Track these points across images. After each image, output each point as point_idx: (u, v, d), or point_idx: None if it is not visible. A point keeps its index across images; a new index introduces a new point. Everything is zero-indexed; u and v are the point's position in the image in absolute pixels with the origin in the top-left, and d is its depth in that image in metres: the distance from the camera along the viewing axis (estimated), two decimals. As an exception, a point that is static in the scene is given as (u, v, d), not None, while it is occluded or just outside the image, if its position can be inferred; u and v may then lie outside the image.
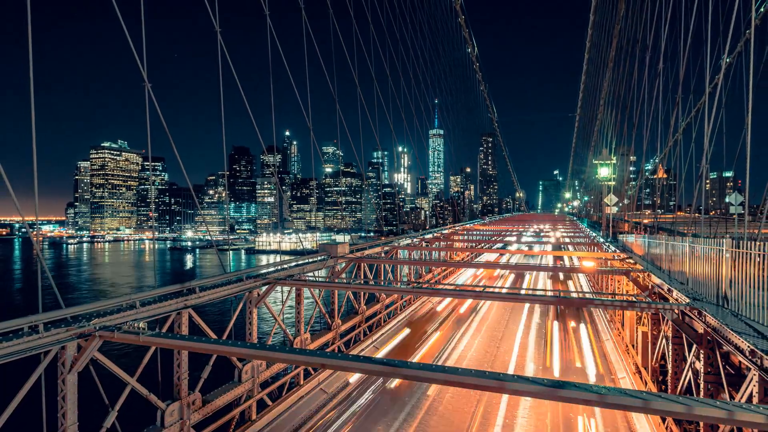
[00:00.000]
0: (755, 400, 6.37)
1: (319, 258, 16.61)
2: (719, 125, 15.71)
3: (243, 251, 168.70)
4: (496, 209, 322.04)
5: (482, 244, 39.65)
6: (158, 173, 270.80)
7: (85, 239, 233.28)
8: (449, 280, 32.60)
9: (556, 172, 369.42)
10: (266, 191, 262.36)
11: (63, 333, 7.35)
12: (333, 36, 21.83)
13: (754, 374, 6.39)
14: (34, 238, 12.03)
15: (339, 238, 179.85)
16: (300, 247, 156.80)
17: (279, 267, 14.12)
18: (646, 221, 34.23)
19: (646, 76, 24.62)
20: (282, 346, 10.25)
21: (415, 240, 29.94)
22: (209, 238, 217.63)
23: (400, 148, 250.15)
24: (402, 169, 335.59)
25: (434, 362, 16.77)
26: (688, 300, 9.66)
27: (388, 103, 29.17)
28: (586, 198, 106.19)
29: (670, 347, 10.84)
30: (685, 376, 9.80)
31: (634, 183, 45.97)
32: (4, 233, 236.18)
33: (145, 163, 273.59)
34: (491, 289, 15.83)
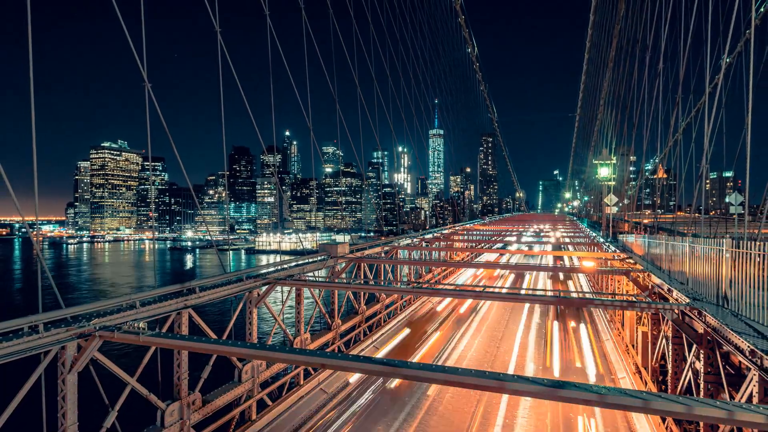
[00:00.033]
0: (755, 400, 6.37)
1: (319, 258, 16.61)
2: (719, 125, 15.72)
3: (243, 251, 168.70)
4: (496, 209, 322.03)
5: (482, 244, 39.65)
6: (158, 173, 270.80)
7: (85, 239, 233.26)
8: (449, 280, 32.60)
9: (556, 172, 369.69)
10: (266, 191, 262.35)
11: (63, 333, 7.35)
12: (333, 36, 21.85)
13: (754, 374, 6.39)
14: (34, 238, 12.04)
15: (339, 238, 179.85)
16: (300, 247, 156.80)
17: (279, 267, 14.12)
18: (646, 221, 34.23)
19: (646, 76, 24.64)
20: (282, 346, 10.25)
21: (415, 240, 29.94)
22: (209, 238, 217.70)
23: (400, 148, 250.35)
24: (402, 169, 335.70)
25: (434, 362, 16.77)
26: (688, 300, 9.66)
27: (388, 103, 29.20)
28: (586, 198, 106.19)
29: (670, 347, 10.84)
30: (685, 376, 9.80)
31: (634, 183, 45.96)
32: (4, 233, 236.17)
33: (145, 163, 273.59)
34: (491, 289, 15.82)
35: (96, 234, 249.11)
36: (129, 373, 8.23)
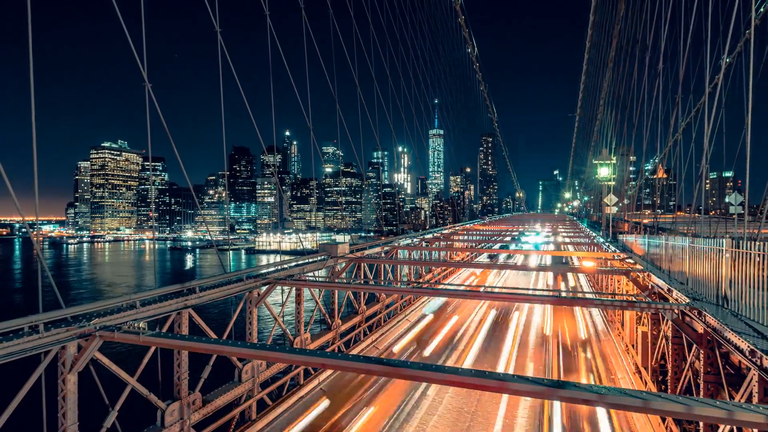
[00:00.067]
0: (755, 399, 6.38)
1: (319, 258, 16.62)
2: (719, 125, 15.73)
3: (243, 251, 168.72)
4: (496, 209, 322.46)
5: (482, 244, 39.65)
6: (158, 173, 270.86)
7: (85, 239, 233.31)
8: (449, 280, 32.60)
9: (556, 172, 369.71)
10: (266, 191, 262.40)
11: (63, 333, 7.36)
12: (333, 36, 21.85)
13: (754, 374, 6.39)
14: (34, 238, 12.06)
15: (339, 238, 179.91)
16: (300, 247, 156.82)
17: (279, 267, 14.13)
18: (645, 221, 34.22)
19: (646, 76, 24.63)
20: (282, 346, 10.25)
21: (415, 240, 29.95)
22: (209, 238, 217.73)
23: (400, 148, 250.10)
24: (402, 169, 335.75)
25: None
26: (688, 300, 9.67)
27: (388, 103, 29.22)
28: (586, 198, 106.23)
29: (670, 347, 10.85)
30: (685, 375, 9.81)
31: (633, 183, 46.00)
32: (4, 233, 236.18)
33: (145, 163, 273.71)
34: (491, 289, 15.83)
35: (96, 234, 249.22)
36: (129, 373, 8.23)
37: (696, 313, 8.95)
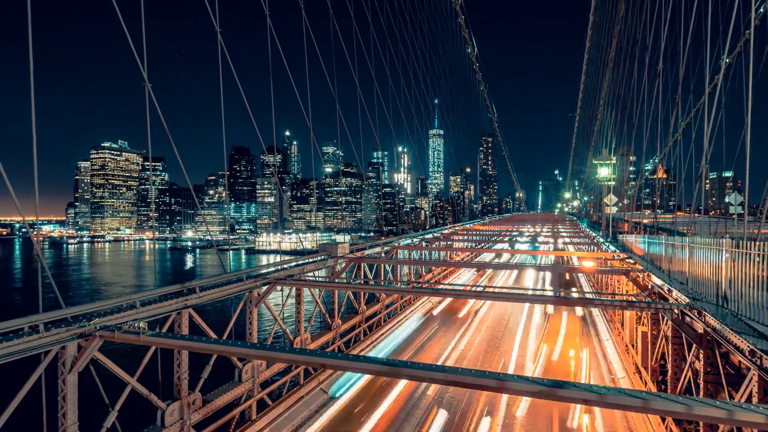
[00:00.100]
0: (755, 399, 6.38)
1: (319, 258, 16.62)
2: (719, 125, 15.74)
3: (243, 251, 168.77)
4: (496, 209, 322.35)
5: (482, 244, 39.68)
6: (158, 173, 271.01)
7: (85, 239, 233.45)
8: (449, 280, 32.60)
9: (556, 172, 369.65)
10: (266, 191, 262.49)
11: (63, 333, 7.36)
12: (333, 36, 21.85)
13: (754, 374, 6.40)
14: (35, 238, 12.06)
15: (339, 238, 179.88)
16: (300, 247, 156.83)
17: (279, 267, 14.13)
18: (645, 221, 34.23)
19: (646, 76, 24.63)
20: (282, 346, 10.26)
21: (415, 240, 29.96)
22: (209, 238, 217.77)
23: (400, 148, 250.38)
24: (402, 169, 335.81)
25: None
26: (687, 300, 9.67)
27: (388, 103, 29.21)
28: (585, 198, 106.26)
29: (670, 347, 10.85)
30: (685, 375, 9.81)
31: (633, 183, 46.01)
32: (4, 233, 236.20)
33: (146, 163, 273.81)
34: (491, 289, 15.83)
35: (96, 234, 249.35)
36: (129, 373, 8.23)
37: (696, 313, 8.95)
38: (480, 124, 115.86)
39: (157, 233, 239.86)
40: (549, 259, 43.91)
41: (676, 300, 10.61)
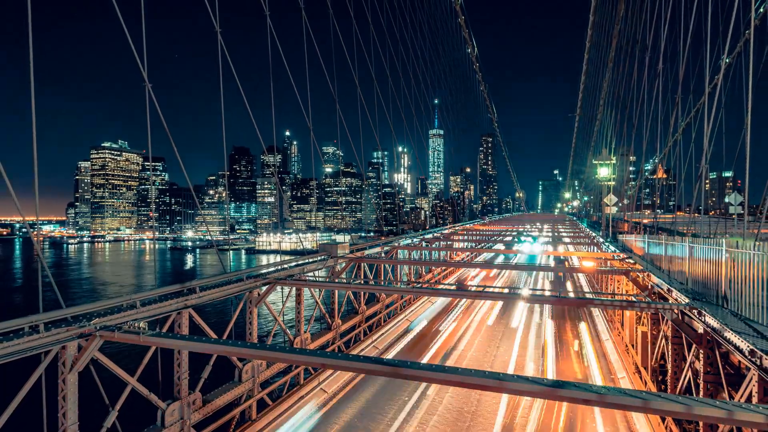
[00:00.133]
0: (755, 399, 6.39)
1: (319, 258, 16.63)
2: (719, 125, 15.75)
3: (243, 251, 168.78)
4: (496, 209, 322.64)
5: (482, 244, 39.68)
6: (158, 173, 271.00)
7: (85, 239, 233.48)
8: (449, 280, 32.60)
9: (556, 172, 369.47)
10: (266, 191, 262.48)
11: (63, 333, 7.36)
12: (333, 36, 21.86)
13: (754, 374, 6.40)
14: (35, 238, 12.04)
15: (339, 238, 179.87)
16: (300, 247, 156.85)
17: (279, 267, 14.13)
18: (645, 221, 34.24)
19: (646, 76, 24.64)
20: (282, 346, 10.27)
21: (415, 240, 29.96)
22: (209, 238, 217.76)
23: (400, 148, 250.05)
24: (402, 169, 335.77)
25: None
26: (687, 300, 9.67)
27: (388, 103, 29.23)
28: (585, 198, 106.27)
29: (670, 347, 10.85)
30: (685, 375, 9.81)
31: (633, 183, 46.02)
32: (4, 233, 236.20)
33: (146, 163, 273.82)
34: (491, 289, 15.83)
35: (96, 234, 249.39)
36: (129, 373, 8.24)
37: (696, 313, 8.96)
38: (480, 124, 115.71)
39: (157, 233, 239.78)
40: (549, 259, 43.94)
41: (676, 300, 10.61)
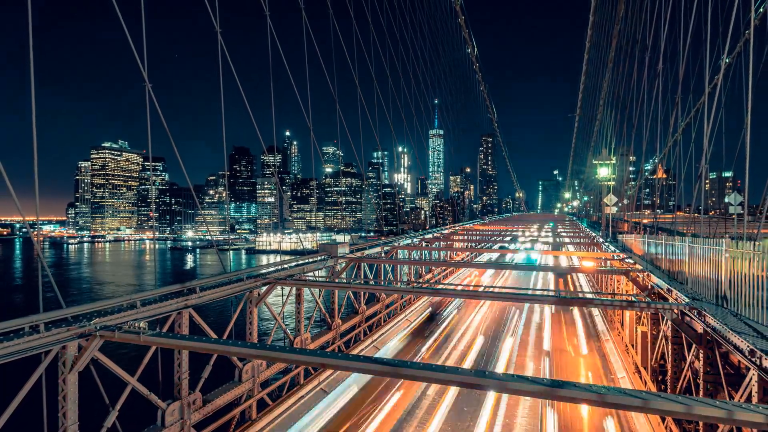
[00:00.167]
0: (754, 399, 6.39)
1: (319, 258, 16.63)
2: (719, 125, 15.75)
3: (243, 251, 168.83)
4: (496, 209, 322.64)
5: (482, 244, 39.67)
6: (159, 173, 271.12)
7: (85, 239, 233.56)
8: (449, 280, 32.61)
9: (555, 172, 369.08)
10: (266, 191, 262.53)
11: (64, 333, 7.36)
12: (333, 36, 21.86)
13: (754, 374, 6.41)
14: (35, 238, 12.05)
15: (339, 238, 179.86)
16: (300, 247, 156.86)
17: (279, 267, 14.14)
18: (645, 221, 34.24)
19: (646, 76, 24.64)
20: (282, 346, 10.26)
21: (415, 240, 29.95)
22: (209, 238, 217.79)
23: (400, 148, 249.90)
24: (402, 169, 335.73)
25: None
26: (687, 300, 9.68)
27: (388, 104, 29.23)
28: (585, 198, 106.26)
29: (670, 347, 10.85)
30: (685, 375, 9.82)
31: (633, 183, 46.02)
32: (5, 233, 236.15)
33: (146, 163, 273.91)
34: (491, 289, 15.83)
35: (96, 234, 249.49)
36: (129, 373, 8.24)
37: (695, 313, 8.96)
38: (480, 124, 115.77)
39: (157, 233, 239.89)
40: (549, 259, 43.94)
41: (676, 300, 10.62)
